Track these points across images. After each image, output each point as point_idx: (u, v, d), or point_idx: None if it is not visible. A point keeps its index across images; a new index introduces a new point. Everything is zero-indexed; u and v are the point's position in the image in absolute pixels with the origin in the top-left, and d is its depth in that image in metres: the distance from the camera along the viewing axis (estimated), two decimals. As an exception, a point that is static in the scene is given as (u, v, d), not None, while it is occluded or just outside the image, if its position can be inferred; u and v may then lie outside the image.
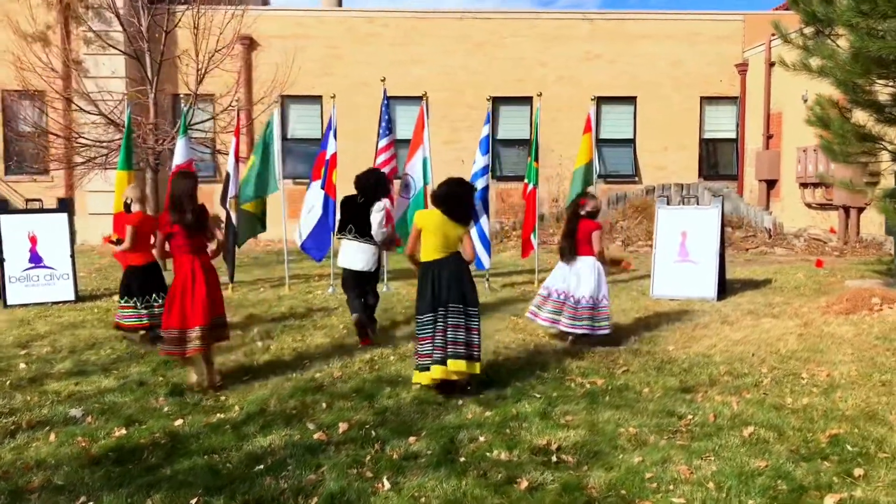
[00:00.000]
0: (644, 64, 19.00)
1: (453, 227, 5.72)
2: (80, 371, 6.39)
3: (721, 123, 19.53)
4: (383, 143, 10.04)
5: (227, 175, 10.41)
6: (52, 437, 4.86)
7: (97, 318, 8.57)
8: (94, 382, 6.07)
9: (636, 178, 19.25)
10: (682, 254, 9.75)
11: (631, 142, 19.34)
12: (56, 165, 13.83)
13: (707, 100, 19.30)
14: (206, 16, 12.14)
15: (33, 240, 9.48)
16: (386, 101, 10.42)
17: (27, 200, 10.09)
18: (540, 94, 11.66)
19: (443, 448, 4.69)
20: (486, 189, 10.15)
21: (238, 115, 10.98)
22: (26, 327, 8.09)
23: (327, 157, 9.98)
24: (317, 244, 9.89)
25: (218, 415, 5.32)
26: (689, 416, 5.24)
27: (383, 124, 10.16)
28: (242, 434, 4.94)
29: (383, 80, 10.72)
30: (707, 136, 19.46)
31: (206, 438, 4.87)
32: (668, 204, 10.07)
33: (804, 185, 16.18)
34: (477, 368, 5.72)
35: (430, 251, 5.74)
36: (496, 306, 9.12)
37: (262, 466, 4.43)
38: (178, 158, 9.78)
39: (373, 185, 7.46)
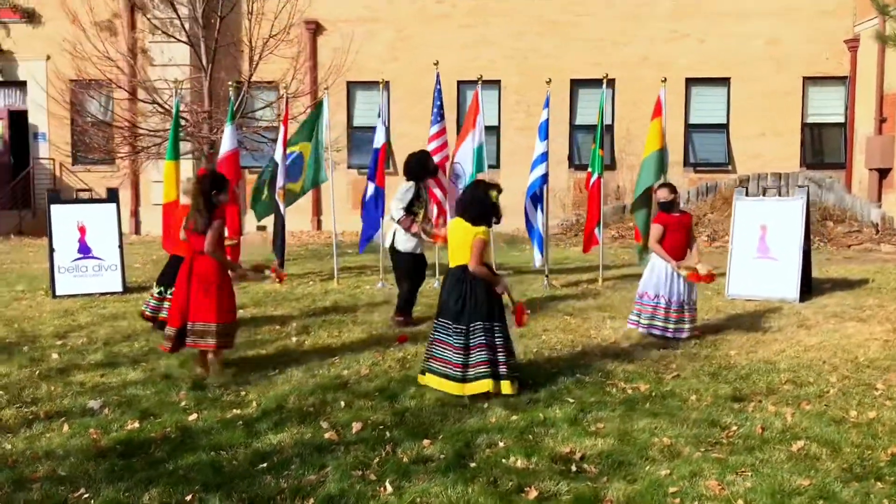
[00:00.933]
0: (737, 43, 18.33)
1: (464, 231, 5.70)
2: (110, 363, 6.71)
3: (827, 106, 18.64)
4: (435, 129, 10.08)
5: (276, 164, 10.66)
6: (66, 427, 5.12)
7: (140, 310, 8.95)
8: (120, 374, 6.36)
9: (729, 167, 18.62)
10: (761, 250, 9.38)
11: (724, 127, 18.72)
12: (114, 155, 14.48)
13: (811, 80, 18.45)
14: (261, 0, 12.46)
15: (82, 230, 10.00)
16: (438, 87, 10.45)
17: (77, 191, 10.64)
18: (606, 76, 11.37)
19: (456, 452, 4.69)
20: (544, 178, 10.02)
21: (287, 102, 11.21)
22: (68, 318, 8.55)
23: (375, 146, 10.11)
24: (362, 236, 10.10)
25: (234, 410, 5.48)
26: (735, 427, 5.05)
27: (435, 110, 10.20)
28: (254, 431, 5.08)
29: (436, 64, 10.75)
30: (810, 120, 18.62)
31: (216, 434, 5.03)
32: (746, 195, 9.69)
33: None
34: (483, 387, 5.59)
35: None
36: (551, 305, 9.02)
37: (265, 465, 4.55)
38: (225, 146, 10.09)
39: (414, 165, 7.70)
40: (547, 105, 10.44)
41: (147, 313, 7.79)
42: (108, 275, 10.03)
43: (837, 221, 14.91)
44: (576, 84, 18.88)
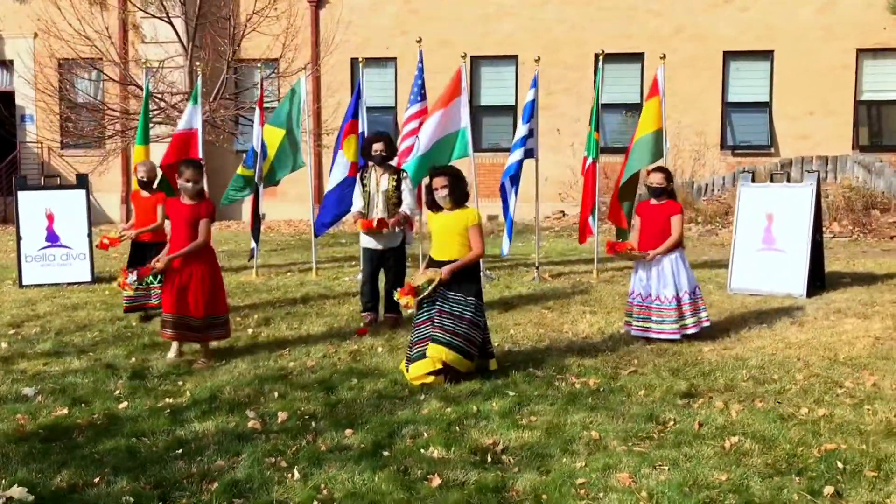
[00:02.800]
0: (783, 11, 18.39)
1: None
2: (57, 352, 7.31)
3: (885, 82, 18.59)
4: (413, 109, 10.49)
5: (255, 152, 11.15)
6: (-4, 412, 5.70)
7: (102, 300, 9.59)
8: (63, 363, 6.95)
9: (772, 150, 18.72)
10: (766, 241, 9.63)
11: (766, 105, 18.82)
12: (101, 139, 15.22)
13: (866, 52, 18.45)
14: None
15: (50, 217, 10.67)
16: (421, 65, 10.83)
17: (44, 176, 11.32)
18: (602, 52, 11.60)
19: (375, 442, 5.14)
20: (519, 164, 10.32)
21: (261, 83, 11.70)
22: (28, 308, 9.20)
23: (342, 124, 10.60)
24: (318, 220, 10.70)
25: (167, 399, 6.01)
26: (671, 423, 5.41)
27: (415, 89, 10.60)
28: (180, 419, 5.59)
29: (419, 42, 11.15)
30: (865, 97, 18.62)
31: (141, 422, 5.55)
32: (753, 181, 9.95)
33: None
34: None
35: None
36: (535, 298, 9.41)
37: (180, 451, 5.05)
38: (181, 125, 10.61)
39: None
40: (534, 85, 10.73)
41: (126, 306, 8.41)
42: (76, 264, 10.69)
43: (884, 210, 14.98)
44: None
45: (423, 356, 6.25)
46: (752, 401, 5.82)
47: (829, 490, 4.37)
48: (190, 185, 6.88)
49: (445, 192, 6.28)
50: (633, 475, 4.61)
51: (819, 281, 9.67)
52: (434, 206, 6.41)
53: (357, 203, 8.15)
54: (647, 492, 4.39)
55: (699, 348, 7.23)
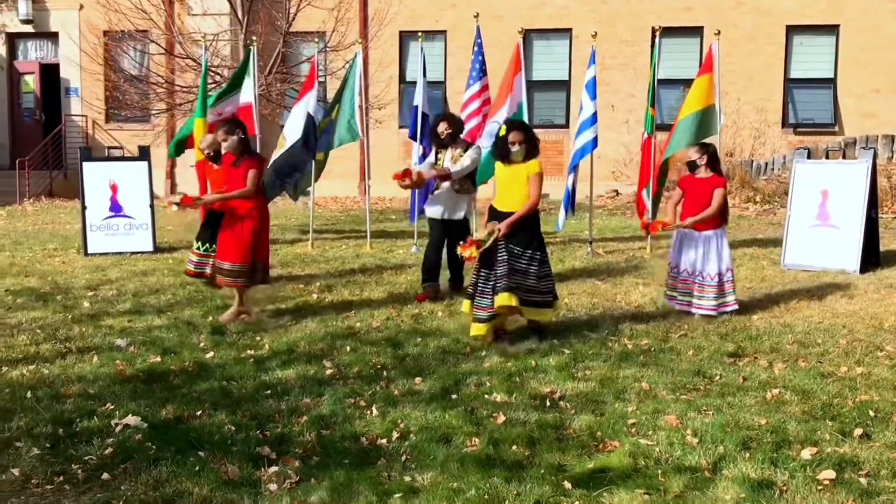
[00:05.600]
0: (849, -17, 18.90)
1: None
2: (137, 311, 8.34)
3: (957, 58, 19.02)
4: (474, 89, 11.33)
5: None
6: (95, 359, 6.71)
7: (169, 267, 10.63)
8: (146, 321, 7.96)
9: (835, 128, 19.25)
10: (821, 217, 10.35)
11: (830, 82, 19.33)
12: (155, 111, 16.29)
13: (935, 27, 18.88)
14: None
15: (114, 188, 11.73)
16: (479, 41, 11.66)
17: (108, 148, 12.38)
18: (659, 28, 12.29)
19: (443, 388, 6.04)
20: (594, 141, 11.10)
21: (315, 59, 12.60)
22: (99, 273, 10.27)
23: (415, 104, 11.46)
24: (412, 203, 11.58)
25: (248, 351, 6.98)
26: (718, 377, 6.23)
27: (478, 66, 11.42)
28: (263, 367, 6.55)
29: (476, 17, 11.97)
30: (935, 74, 19.04)
31: (229, 368, 6.52)
32: (808, 157, 10.65)
33: None
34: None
35: None
36: (588, 272, 10.25)
37: (268, 392, 6.00)
38: (234, 105, 11.54)
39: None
40: (593, 61, 11.49)
41: (191, 269, 9.34)
42: (138, 234, 11.75)
43: (950, 191, 15.50)
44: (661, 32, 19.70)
45: (488, 318, 7.06)
46: (795, 361, 6.62)
47: (858, 432, 5.17)
48: (226, 142, 7.74)
49: (522, 146, 7.09)
50: (679, 417, 5.45)
51: (874, 258, 10.36)
52: (505, 159, 7.22)
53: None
54: (693, 430, 5.23)
55: (748, 316, 8.02)
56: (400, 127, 20.21)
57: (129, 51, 18.65)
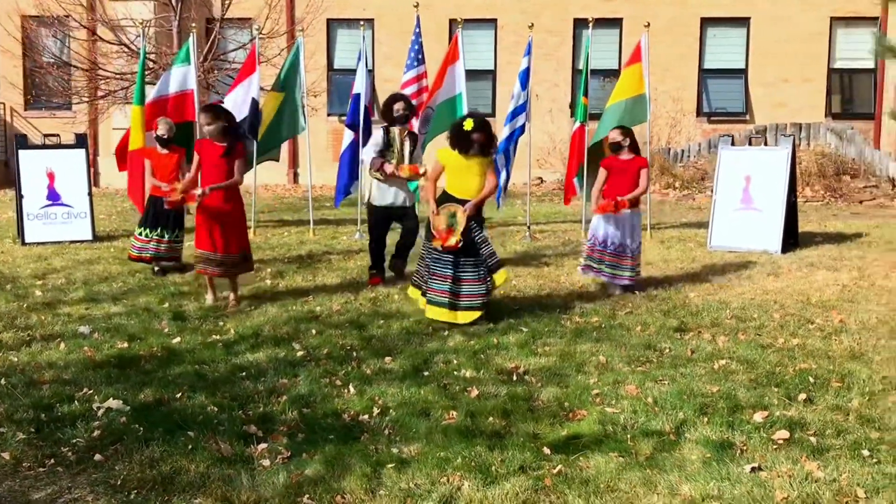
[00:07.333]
0: (759, -23, 19.68)
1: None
2: (92, 299, 8.31)
3: (857, 50, 19.95)
4: (410, 74, 11.55)
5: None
6: (62, 346, 6.72)
7: (113, 255, 10.56)
8: (103, 308, 7.96)
9: (747, 117, 20.05)
10: (744, 201, 10.91)
11: (742, 72, 20.12)
12: (75, 99, 15.98)
13: (839, 21, 19.79)
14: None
15: (51, 176, 11.55)
16: (418, 30, 11.87)
17: (45, 136, 12.17)
18: (592, 20, 12.75)
19: (414, 366, 6.27)
20: (522, 129, 11.48)
21: (254, 46, 12.61)
22: (43, 262, 10.15)
23: (355, 92, 11.58)
24: (338, 187, 11.69)
25: (214, 336, 7.07)
26: (667, 350, 6.62)
27: (412, 55, 11.65)
28: (233, 351, 6.66)
29: (416, 6, 12.16)
30: (838, 65, 19.99)
31: (198, 353, 6.61)
32: (732, 144, 11.20)
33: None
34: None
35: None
36: (529, 255, 10.59)
37: (243, 374, 6.13)
38: (170, 87, 11.46)
39: (382, 108, 9.07)
40: (528, 52, 11.82)
41: (133, 254, 9.40)
42: (77, 222, 11.60)
43: (854, 176, 16.41)
44: (580, 25, 20.19)
45: (480, 305, 7.37)
46: (735, 334, 7.06)
47: (802, 396, 5.60)
48: (211, 127, 7.79)
49: (482, 146, 7.42)
50: (639, 387, 5.80)
51: (793, 239, 10.98)
52: (465, 151, 7.45)
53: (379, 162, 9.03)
54: (653, 398, 5.59)
55: (685, 294, 8.47)
56: (328, 115, 20.25)
57: (51, 36, 18.18)
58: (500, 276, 7.49)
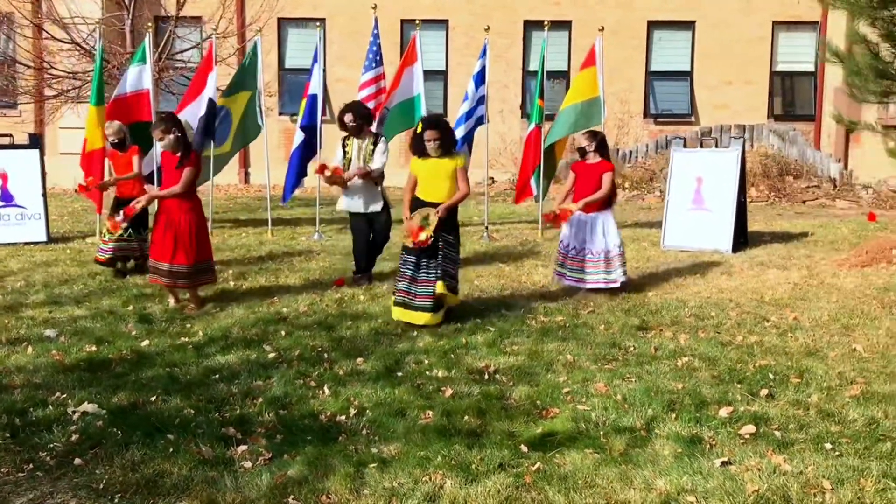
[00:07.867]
0: (704, -19, 20.08)
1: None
2: (54, 302, 8.21)
3: (798, 54, 20.52)
4: (368, 76, 11.60)
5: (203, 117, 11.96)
6: (30, 350, 6.64)
7: (70, 257, 10.42)
8: (67, 311, 7.87)
9: (692, 119, 20.45)
10: (696, 201, 11.17)
11: (687, 75, 20.51)
12: (25, 99, 15.68)
13: (781, 25, 20.29)
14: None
15: (3, 177, 11.34)
16: (376, 31, 11.92)
17: (-1, 135, 11.94)
18: (547, 23, 12.95)
19: (386, 367, 6.34)
20: (473, 129, 11.65)
21: (211, 44, 12.52)
22: (-1, 265, 9.98)
23: (311, 92, 11.60)
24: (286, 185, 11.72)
25: (182, 338, 7.05)
26: (632, 349, 6.79)
27: (370, 56, 11.69)
28: (203, 353, 6.66)
29: (374, 8, 12.22)
30: (780, 68, 20.49)
31: (168, 355, 6.59)
32: (685, 146, 11.46)
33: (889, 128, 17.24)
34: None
35: None
36: (489, 255, 10.71)
37: (216, 376, 6.13)
38: (127, 87, 11.34)
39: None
40: (483, 54, 11.94)
41: (101, 258, 9.30)
42: (31, 224, 11.41)
43: (797, 176, 16.87)
44: (529, 27, 20.40)
45: (431, 307, 7.38)
46: (695, 332, 7.26)
47: (764, 392, 5.80)
48: (163, 140, 7.77)
49: (437, 143, 7.44)
50: (607, 385, 5.95)
51: (743, 238, 11.28)
52: (422, 154, 7.55)
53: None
54: (622, 396, 5.74)
55: (644, 294, 8.66)
56: (280, 114, 20.15)
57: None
58: (440, 286, 7.38)
